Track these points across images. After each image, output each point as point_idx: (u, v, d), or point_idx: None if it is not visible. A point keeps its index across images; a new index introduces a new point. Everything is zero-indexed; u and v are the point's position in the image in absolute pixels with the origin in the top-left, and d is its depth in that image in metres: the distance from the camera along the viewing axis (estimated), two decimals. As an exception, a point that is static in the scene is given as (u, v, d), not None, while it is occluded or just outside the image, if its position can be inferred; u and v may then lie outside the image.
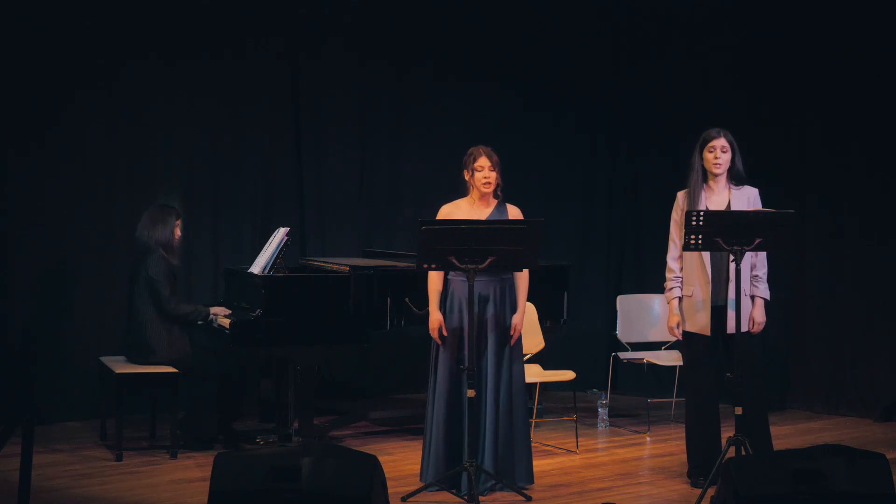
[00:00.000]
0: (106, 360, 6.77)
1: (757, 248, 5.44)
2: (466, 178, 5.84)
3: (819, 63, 8.04)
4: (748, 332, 5.82)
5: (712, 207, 5.80)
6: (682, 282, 5.92)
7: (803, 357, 8.19)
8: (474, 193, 5.84)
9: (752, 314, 5.85)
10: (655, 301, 8.00)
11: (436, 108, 8.78)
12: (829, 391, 8.09)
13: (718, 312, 5.79)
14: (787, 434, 7.11)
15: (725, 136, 5.83)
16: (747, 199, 5.84)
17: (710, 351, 5.87)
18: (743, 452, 5.35)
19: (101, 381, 6.81)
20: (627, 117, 9.08)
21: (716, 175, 5.84)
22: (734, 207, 5.77)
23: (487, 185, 5.78)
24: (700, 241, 5.39)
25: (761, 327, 5.89)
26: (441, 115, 8.76)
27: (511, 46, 8.88)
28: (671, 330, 5.97)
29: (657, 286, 8.32)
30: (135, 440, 6.84)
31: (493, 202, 5.87)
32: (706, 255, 5.77)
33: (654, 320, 7.92)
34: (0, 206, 7.26)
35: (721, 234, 5.36)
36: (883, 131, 7.84)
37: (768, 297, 5.90)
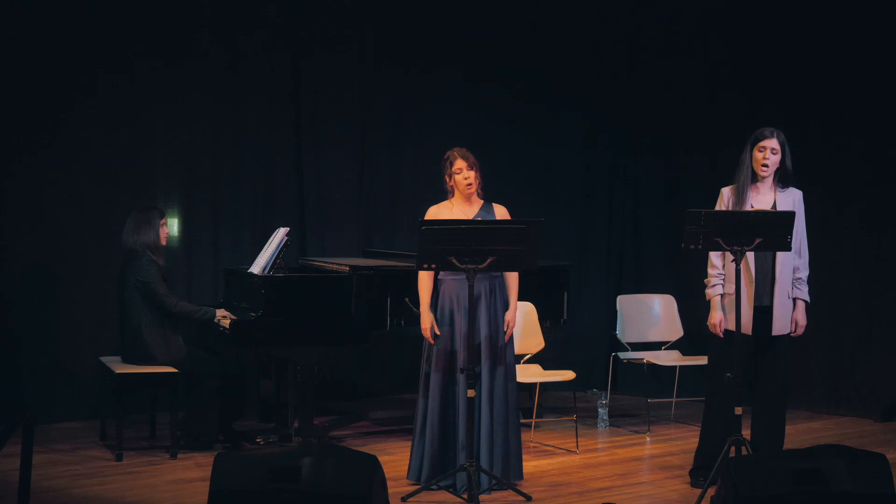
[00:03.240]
0: (106, 360, 6.77)
1: (757, 248, 5.42)
2: (448, 183, 5.91)
3: (818, 59, 8.04)
4: (789, 334, 5.79)
5: (758, 207, 5.73)
6: (724, 279, 5.84)
7: (803, 357, 8.18)
8: (458, 195, 5.91)
9: (795, 317, 5.79)
10: (655, 301, 8.00)
11: (436, 108, 8.78)
12: (829, 391, 8.09)
13: (761, 313, 5.71)
14: (787, 434, 7.08)
15: (777, 137, 5.72)
16: (793, 200, 5.77)
17: (744, 351, 5.67)
18: (744, 452, 5.35)
19: (101, 381, 6.81)
20: (628, 117, 9.08)
21: (762, 176, 5.77)
22: (780, 209, 5.69)
23: (469, 186, 5.85)
24: (701, 241, 5.38)
25: (803, 330, 5.83)
26: (441, 114, 8.76)
27: (511, 46, 8.88)
28: (713, 327, 5.84)
29: (657, 286, 8.38)
30: (135, 440, 6.84)
31: (479, 202, 5.94)
32: (750, 254, 5.64)
33: (654, 320, 7.92)
34: (0, 206, 7.27)
35: (721, 234, 5.35)
36: (883, 127, 7.83)
37: (809, 300, 5.84)
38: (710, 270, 5.89)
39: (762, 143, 5.73)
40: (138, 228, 6.63)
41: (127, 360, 6.61)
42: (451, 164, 5.87)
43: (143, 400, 6.98)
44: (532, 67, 8.97)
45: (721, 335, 5.83)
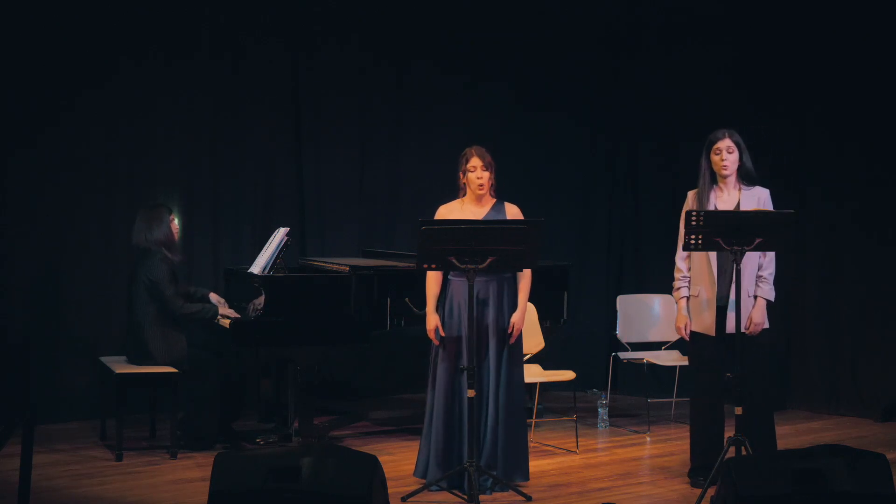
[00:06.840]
0: (106, 360, 6.77)
1: (757, 248, 5.42)
2: (462, 179, 5.87)
3: (818, 59, 8.04)
4: (762, 332, 5.79)
5: (721, 208, 5.76)
6: (689, 281, 5.89)
7: (803, 357, 8.18)
8: (470, 194, 5.86)
9: (751, 314, 5.78)
10: (655, 301, 8.00)
11: (435, 108, 8.78)
12: (829, 391, 8.09)
13: (722, 312, 5.76)
14: (787, 434, 7.11)
15: (731, 137, 5.77)
16: (757, 199, 5.79)
17: (715, 351, 5.84)
18: (743, 452, 5.35)
19: (101, 381, 6.81)
20: (627, 117, 9.08)
21: (725, 177, 5.80)
22: (743, 208, 5.72)
23: (481, 187, 5.81)
24: (700, 241, 5.38)
25: (758, 328, 5.79)
26: (441, 114, 8.76)
27: (511, 46, 8.88)
28: (679, 330, 5.91)
29: (657, 286, 8.37)
30: (135, 440, 6.84)
31: (491, 201, 5.89)
32: (713, 254, 5.72)
33: (654, 320, 7.91)
34: (0, 206, 7.27)
35: (721, 234, 5.34)
36: (883, 127, 7.83)
37: (772, 299, 5.82)
38: (675, 274, 5.94)
39: (717, 146, 5.78)
40: (150, 226, 6.62)
41: (129, 358, 6.62)
42: (467, 161, 5.82)
43: (143, 400, 6.98)
44: (532, 67, 8.96)
45: (687, 338, 5.89)
